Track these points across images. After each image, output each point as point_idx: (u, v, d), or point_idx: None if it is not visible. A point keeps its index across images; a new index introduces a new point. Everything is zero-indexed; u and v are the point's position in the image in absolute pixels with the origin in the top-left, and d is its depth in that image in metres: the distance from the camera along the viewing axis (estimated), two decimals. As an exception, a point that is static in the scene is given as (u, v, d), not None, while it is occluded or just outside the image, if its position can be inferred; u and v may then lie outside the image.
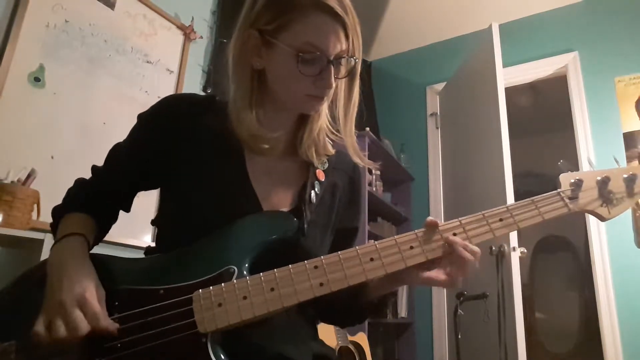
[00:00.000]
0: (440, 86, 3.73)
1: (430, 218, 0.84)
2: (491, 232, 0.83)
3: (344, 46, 0.85)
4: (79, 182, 0.99)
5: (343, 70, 0.90)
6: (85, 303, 0.74)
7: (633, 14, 3.05)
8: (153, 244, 0.96)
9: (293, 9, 0.82)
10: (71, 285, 0.76)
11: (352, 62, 0.89)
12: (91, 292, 0.76)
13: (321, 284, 0.76)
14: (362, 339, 2.53)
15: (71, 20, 2.05)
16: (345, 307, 0.96)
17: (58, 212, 0.94)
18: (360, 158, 0.98)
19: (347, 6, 0.85)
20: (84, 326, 0.73)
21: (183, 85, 2.52)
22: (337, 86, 0.92)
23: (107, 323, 0.74)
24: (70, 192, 0.98)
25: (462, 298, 2.29)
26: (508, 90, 2.90)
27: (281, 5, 0.84)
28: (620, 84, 2.96)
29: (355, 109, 0.96)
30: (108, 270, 0.83)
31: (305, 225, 0.88)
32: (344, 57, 0.87)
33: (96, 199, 0.95)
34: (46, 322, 0.74)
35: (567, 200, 0.87)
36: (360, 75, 0.95)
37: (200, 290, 0.76)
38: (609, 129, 2.95)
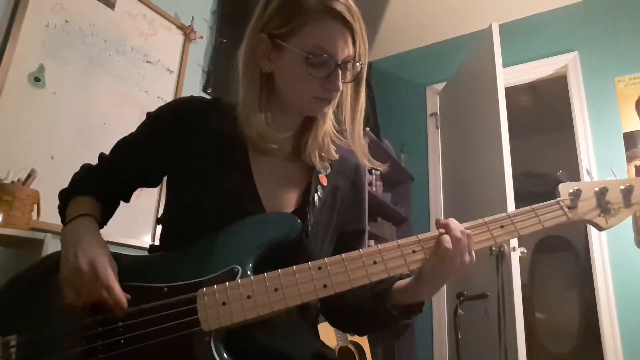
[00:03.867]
0: (440, 86, 3.73)
1: (439, 219, 0.85)
2: (492, 239, 0.86)
3: (351, 51, 0.88)
4: (86, 167, 1.02)
5: (349, 75, 0.92)
6: (98, 267, 0.78)
7: (633, 14, 3.05)
8: (153, 243, 0.98)
9: (304, 14, 0.85)
10: (84, 253, 0.80)
11: (358, 67, 0.92)
12: (104, 258, 0.80)
13: (325, 286, 0.77)
14: (362, 339, 2.53)
15: (71, 20, 2.04)
16: (370, 315, 0.94)
17: (65, 195, 0.97)
18: (370, 161, 1.00)
19: (354, 13, 0.88)
20: (99, 288, 0.77)
21: (183, 85, 2.52)
22: (343, 91, 0.94)
23: (117, 285, 0.78)
24: (77, 176, 1.01)
25: (462, 298, 2.29)
26: (508, 90, 2.91)
27: (292, 10, 0.86)
28: (620, 84, 2.97)
29: (363, 114, 0.98)
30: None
31: (310, 227, 0.90)
32: (350, 62, 0.89)
33: (102, 184, 0.98)
34: (71, 289, 0.79)
35: (566, 209, 0.90)
36: (366, 80, 0.97)
37: (204, 288, 0.76)
38: (609, 129, 2.95)
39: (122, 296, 0.77)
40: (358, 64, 0.91)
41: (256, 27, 0.91)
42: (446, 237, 0.80)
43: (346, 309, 0.97)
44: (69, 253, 0.81)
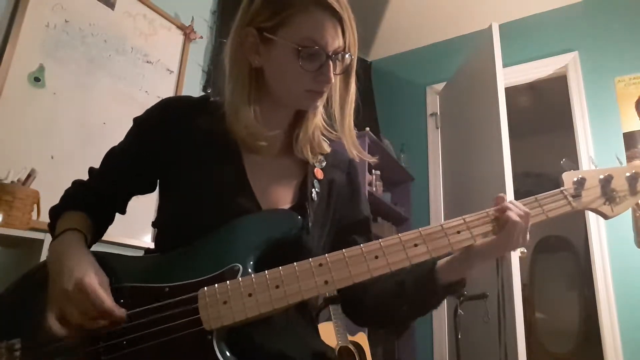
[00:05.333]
0: (440, 86, 3.73)
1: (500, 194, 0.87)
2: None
3: (341, 42, 0.87)
4: (76, 183, 1.00)
5: (339, 67, 0.91)
6: (86, 287, 0.74)
7: (633, 14, 3.05)
8: (149, 248, 0.97)
9: (292, 6, 0.84)
10: (71, 273, 0.76)
11: (348, 59, 0.91)
12: (91, 277, 0.76)
13: (326, 282, 0.76)
14: (362, 339, 2.52)
15: (71, 20, 2.04)
16: (410, 301, 0.91)
17: (55, 212, 0.95)
18: (360, 153, 0.99)
19: (342, 3, 0.86)
20: (91, 309, 0.73)
21: (183, 85, 2.52)
22: (333, 83, 0.93)
23: (112, 305, 0.75)
24: (67, 192, 0.98)
25: (462, 298, 2.29)
26: (508, 90, 2.90)
27: (280, 3, 0.85)
28: (620, 84, 2.97)
29: (353, 105, 0.97)
30: (112, 268, 0.83)
31: (310, 224, 0.89)
32: (340, 53, 0.88)
33: (93, 199, 0.96)
34: (57, 314, 0.75)
35: (570, 199, 0.88)
36: (356, 73, 0.96)
37: (205, 287, 0.76)
38: (609, 129, 2.95)
39: (118, 315, 0.75)
40: (347, 55, 0.90)
41: (243, 21, 0.90)
42: (513, 213, 0.82)
43: (377, 301, 0.94)
44: (55, 275, 0.78)
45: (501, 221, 0.84)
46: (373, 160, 1.03)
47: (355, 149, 0.98)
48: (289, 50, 0.84)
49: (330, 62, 0.86)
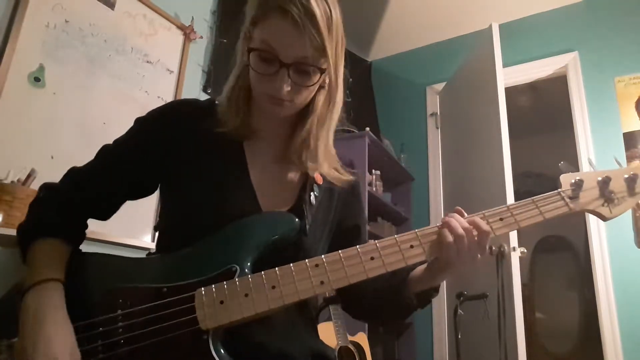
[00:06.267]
0: (440, 86, 3.73)
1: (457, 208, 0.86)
2: (492, 232, 0.84)
3: (306, 53, 0.81)
4: (47, 190, 0.94)
5: (309, 78, 0.85)
6: None
7: (633, 14, 3.05)
8: (153, 244, 0.97)
9: (260, 8, 0.83)
10: (47, 349, 0.72)
11: (313, 71, 0.84)
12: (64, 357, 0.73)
13: (322, 282, 0.77)
14: (362, 339, 2.53)
15: (71, 20, 2.05)
16: (390, 303, 0.96)
17: (27, 237, 0.89)
18: (339, 172, 0.99)
19: (313, 14, 0.79)
20: None
21: (183, 85, 2.52)
22: (314, 98, 0.91)
23: None
24: (38, 208, 0.92)
25: (462, 298, 2.29)
26: (508, 90, 2.90)
27: (254, 6, 0.85)
28: (620, 84, 2.96)
29: (333, 122, 0.95)
30: (111, 269, 0.84)
31: (307, 226, 0.89)
32: (306, 64, 0.83)
33: (68, 214, 0.90)
34: None
35: (567, 200, 0.88)
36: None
37: (202, 287, 0.76)
38: (609, 129, 2.95)
39: None
40: (315, 67, 0.84)
41: (247, 21, 0.89)
42: (446, 231, 0.81)
43: (367, 302, 0.99)
44: (29, 332, 0.73)
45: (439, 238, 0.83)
46: (350, 179, 1.00)
47: (332, 169, 0.97)
48: (248, 51, 0.84)
49: (285, 70, 0.81)
